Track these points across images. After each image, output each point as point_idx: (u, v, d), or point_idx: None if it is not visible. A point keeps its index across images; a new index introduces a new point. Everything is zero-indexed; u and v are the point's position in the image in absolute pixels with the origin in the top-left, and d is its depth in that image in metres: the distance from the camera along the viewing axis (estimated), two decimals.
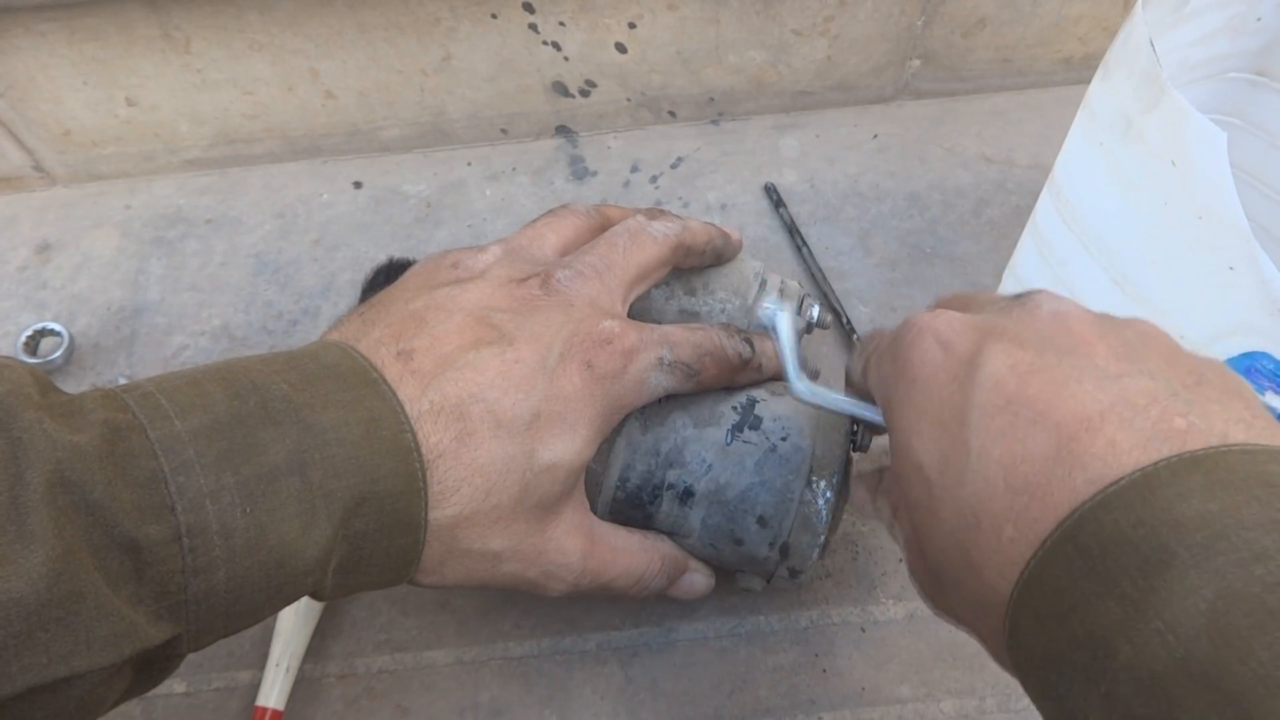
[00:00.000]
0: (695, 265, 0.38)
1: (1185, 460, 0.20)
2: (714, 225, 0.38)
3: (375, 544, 0.27)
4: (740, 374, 0.36)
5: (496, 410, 0.28)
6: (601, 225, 0.37)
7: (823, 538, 0.35)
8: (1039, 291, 0.28)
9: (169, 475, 0.24)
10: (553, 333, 0.30)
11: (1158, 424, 0.22)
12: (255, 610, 0.26)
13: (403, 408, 0.27)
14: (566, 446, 0.30)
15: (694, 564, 0.37)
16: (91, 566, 0.22)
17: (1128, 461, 0.21)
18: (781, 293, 0.41)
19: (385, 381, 0.28)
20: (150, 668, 0.26)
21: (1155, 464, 0.21)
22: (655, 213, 0.37)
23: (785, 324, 0.34)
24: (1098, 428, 0.22)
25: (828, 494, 0.35)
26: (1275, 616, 0.18)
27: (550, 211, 0.37)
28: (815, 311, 0.42)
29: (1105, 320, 0.26)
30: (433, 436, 0.28)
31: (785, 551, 0.35)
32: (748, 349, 0.36)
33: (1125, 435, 0.22)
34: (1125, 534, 0.20)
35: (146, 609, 0.24)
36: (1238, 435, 0.21)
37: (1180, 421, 0.21)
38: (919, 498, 0.26)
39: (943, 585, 0.27)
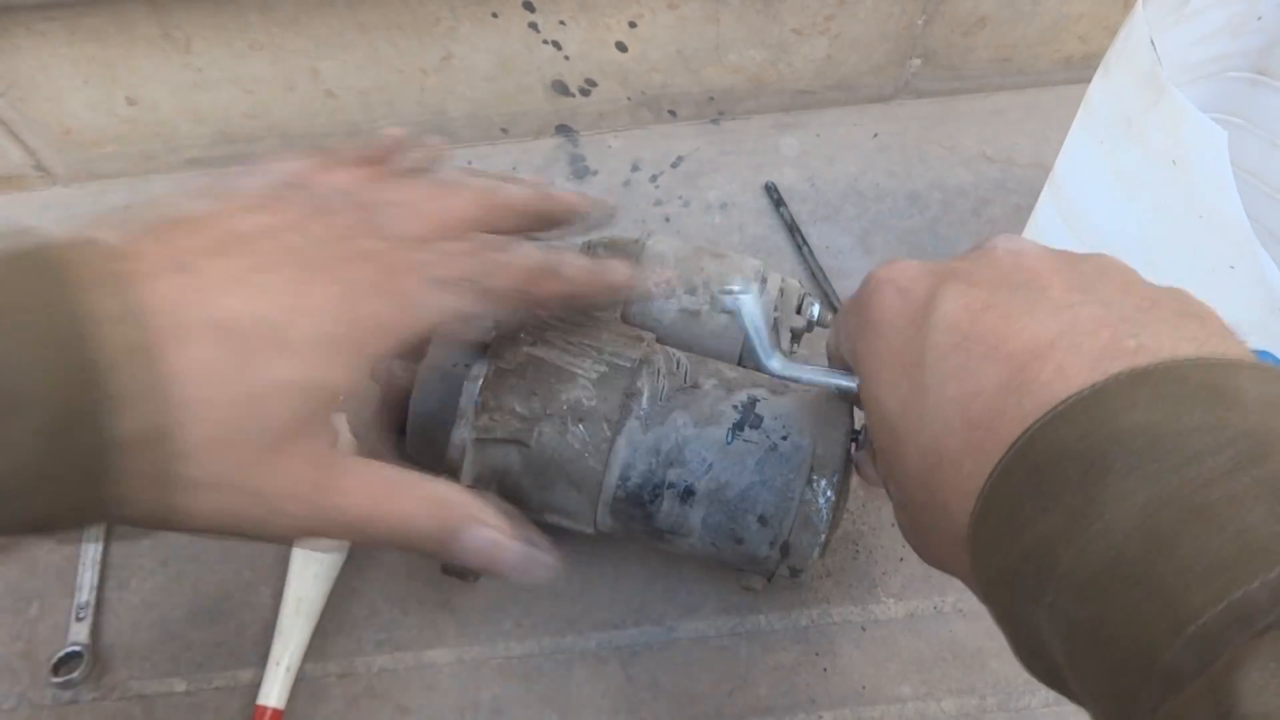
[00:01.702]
0: (514, 229, 0.34)
1: (1134, 374, 0.21)
2: (537, 188, 0.36)
3: (52, 459, 0.22)
4: (547, 281, 0.32)
5: (226, 318, 0.24)
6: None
7: (823, 536, 0.35)
8: (997, 235, 0.28)
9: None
10: (314, 249, 0.27)
11: (1107, 346, 0.22)
12: None
13: (87, 298, 0.22)
14: (316, 364, 0.25)
15: (489, 519, 0.29)
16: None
17: (1075, 383, 0.21)
18: (782, 291, 0.41)
19: (80, 271, 0.23)
20: None
21: (1105, 380, 0.21)
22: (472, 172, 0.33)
23: (749, 304, 0.33)
24: (1046, 355, 0.22)
25: (828, 493, 0.35)
26: (1200, 513, 0.18)
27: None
28: (815, 310, 0.42)
29: (1062, 255, 0.26)
30: (116, 340, 0.22)
31: (786, 550, 0.35)
32: (551, 252, 0.32)
33: (1074, 359, 0.22)
34: (1070, 448, 0.20)
35: None
36: (1187, 351, 0.21)
37: (1130, 342, 0.22)
38: (887, 444, 0.26)
39: (920, 530, 0.27)
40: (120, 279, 0.23)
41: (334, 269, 0.27)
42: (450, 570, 0.36)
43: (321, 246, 0.27)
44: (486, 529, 0.29)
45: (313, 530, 0.27)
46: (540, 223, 0.35)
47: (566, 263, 0.33)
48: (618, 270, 0.35)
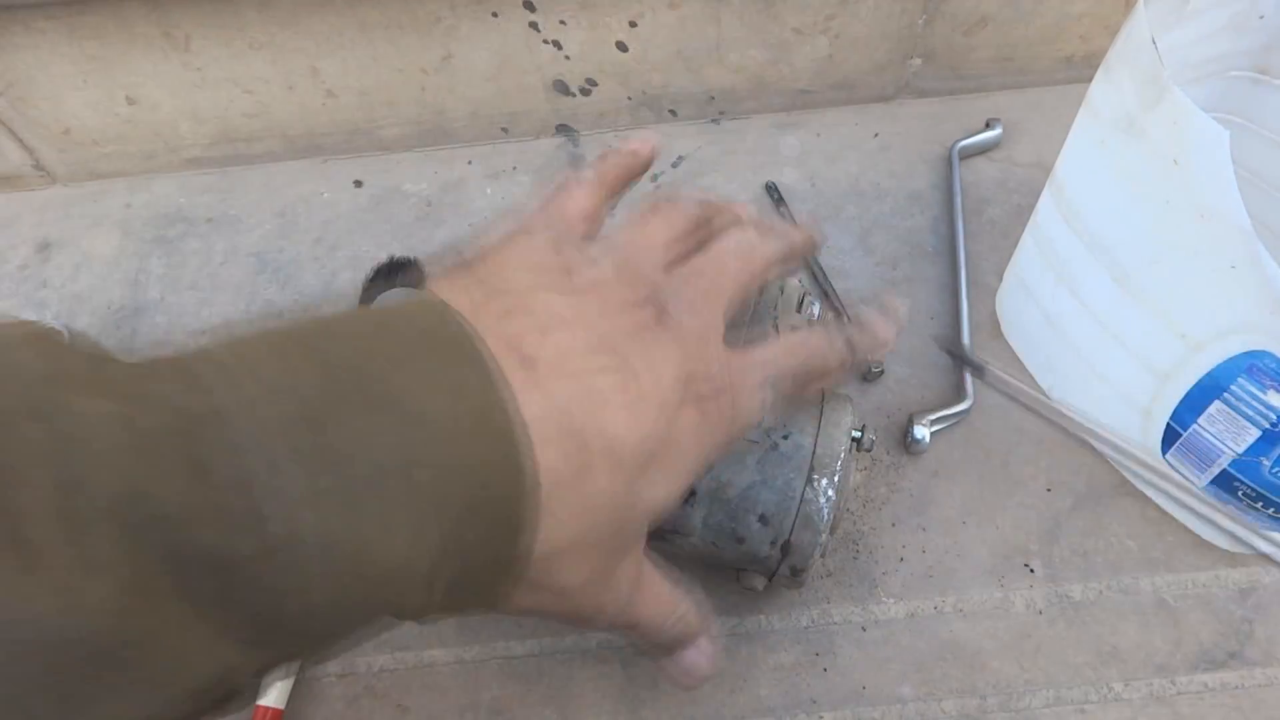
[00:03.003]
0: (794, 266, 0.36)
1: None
2: (803, 229, 0.36)
3: (482, 558, 0.23)
4: (840, 375, 0.33)
5: (616, 446, 0.25)
6: (701, 220, 0.33)
7: (824, 536, 0.35)
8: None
9: (258, 477, 0.19)
10: (671, 370, 0.27)
11: None
12: (353, 633, 0.23)
13: (514, 400, 0.23)
14: (669, 490, 0.27)
15: (703, 640, 0.33)
16: (170, 594, 0.18)
17: None
18: (781, 290, 0.41)
19: (491, 359, 0.23)
20: (228, 698, 0.22)
21: None
22: (765, 227, 0.33)
23: None
24: None
25: (829, 492, 0.35)
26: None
27: (654, 206, 0.32)
28: (815, 309, 0.42)
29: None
30: (551, 458, 0.23)
31: (787, 550, 0.35)
32: (847, 352, 0.33)
33: None
34: None
35: (234, 637, 0.20)
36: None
37: None
38: None
39: None
40: (537, 381, 0.24)
41: (694, 390, 0.27)
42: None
43: (680, 361, 0.27)
44: (704, 646, 0.33)
45: (613, 630, 0.30)
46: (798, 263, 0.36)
47: (863, 346, 0.34)
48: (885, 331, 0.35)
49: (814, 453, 0.35)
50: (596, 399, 0.25)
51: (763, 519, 0.35)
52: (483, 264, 0.27)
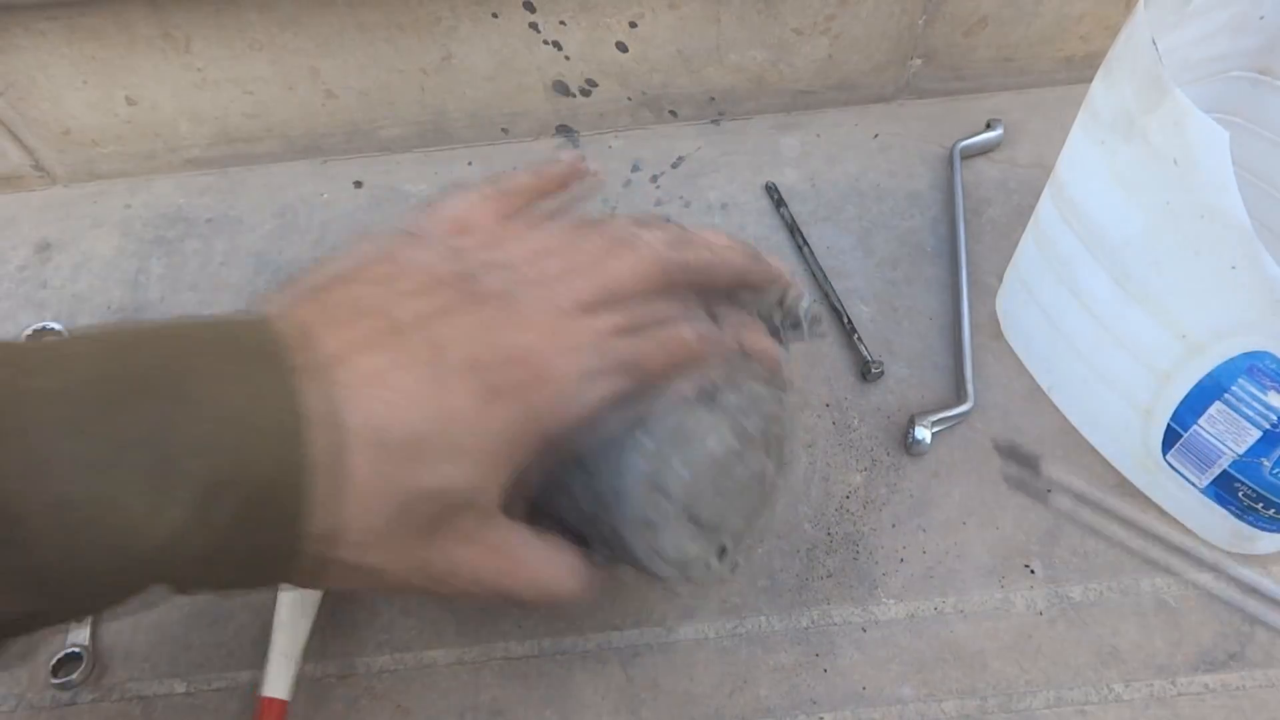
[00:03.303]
0: (712, 286, 0.34)
1: None
2: (741, 246, 0.34)
3: (260, 540, 0.25)
4: (715, 356, 0.32)
5: (383, 433, 0.26)
6: (535, 189, 0.33)
7: (667, 509, 0.31)
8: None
9: (43, 448, 0.22)
10: (460, 353, 0.27)
11: None
12: (98, 594, 0.24)
13: (297, 394, 0.25)
14: (455, 474, 0.27)
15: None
16: None
17: None
18: (782, 303, 0.39)
19: (288, 359, 0.25)
20: None
21: None
22: (678, 233, 0.33)
23: None
24: None
25: (656, 459, 0.30)
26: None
27: (489, 186, 0.33)
28: (805, 306, 0.39)
29: None
30: (320, 446, 0.25)
31: (617, 539, 0.32)
32: (712, 329, 0.32)
33: None
34: None
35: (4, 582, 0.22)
36: None
37: None
38: None
39: None
40: (320, 375, 0.25)
41: (482, 373, 0.27)
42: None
43: (471, 341, 0.28)
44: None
45: (469, 597, 0.31)
46: (733, 285, 0.35)
47: (749, 336, 0.33)
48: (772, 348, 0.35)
49: (641, 420, 0.30)
50: (372, 387, 0.26)
51: (596, 500, 0.31)
52: (326, 271, 0.29)
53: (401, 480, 0.26)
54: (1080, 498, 0.44)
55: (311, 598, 0.41)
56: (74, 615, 0.25)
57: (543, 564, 0.31)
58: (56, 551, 0.22)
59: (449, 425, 0.27)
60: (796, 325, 0.39)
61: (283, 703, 0.39)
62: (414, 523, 0.27)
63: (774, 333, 0.39)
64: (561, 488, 0.32)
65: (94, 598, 0.24)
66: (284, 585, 0.28)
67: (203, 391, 0.24)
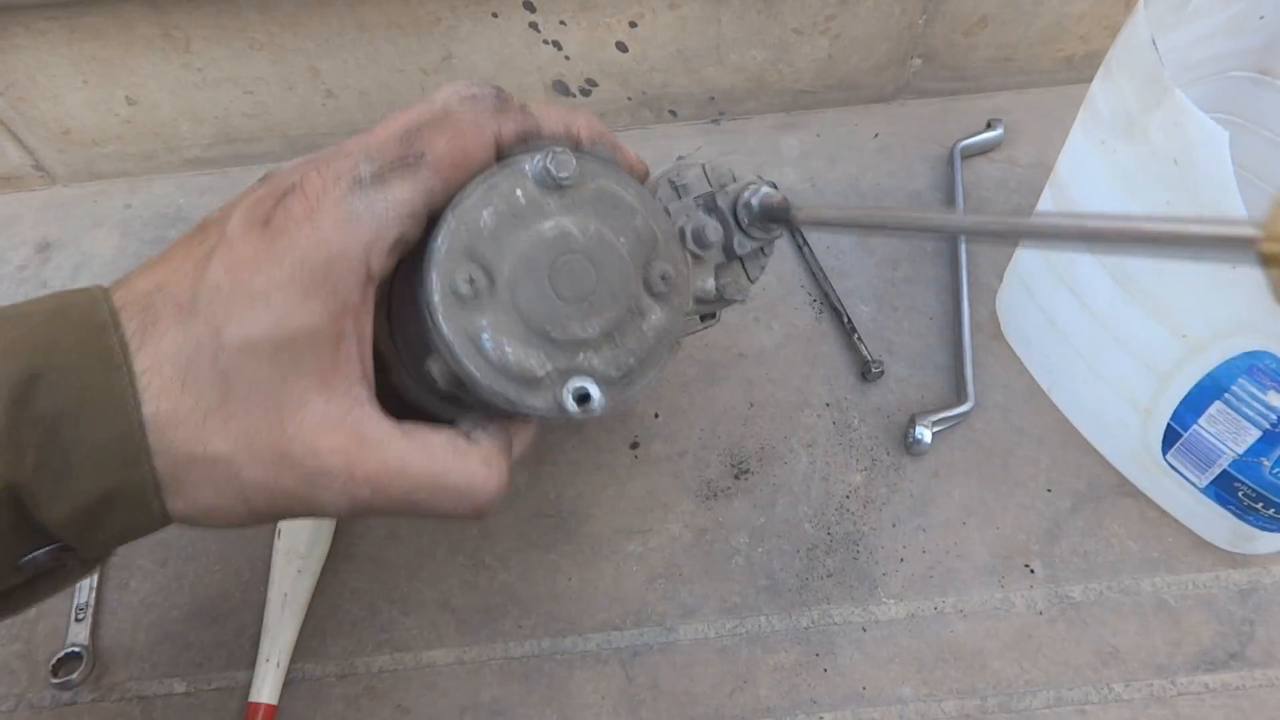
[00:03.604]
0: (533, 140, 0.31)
1: None
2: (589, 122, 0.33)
3: (76, 430, 0.24)
4: (503, 119, 0.30)
5: (176, 293, 0.26)
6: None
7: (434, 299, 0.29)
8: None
9: None
10: (238, 212, 0.28)
11: None
12: None
13: (105, 294, 0.26)
14: (259, 318, 0.26)
15: (516, 424, 0.31)
16: None
17: None
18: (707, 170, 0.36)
19: (100, 287, 0.26)
20: None
21: None
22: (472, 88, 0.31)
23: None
24: None
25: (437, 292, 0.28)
26: None
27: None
28: (758, 195, 0.34)
29: None
30: (127, 326, 0.25)
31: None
32: (486, 89, 0.30)
33: None
34: None
35: None
36: None
37: None
38: None
39: None
40: (119, 283, 0.26)
41: (258, 218, 0.27)
42: None
43: (246, 208, 0.28)
44: (519, 434, 0.32)
45: (363, 505, 0.28)
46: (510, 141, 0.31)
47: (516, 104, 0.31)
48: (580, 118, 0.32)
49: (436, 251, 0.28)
50: (162, 264, 0.27)
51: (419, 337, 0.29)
52: None
53: (209, 337, 0.26)
54: (1080, 497, 0.44)
55: (298, 602, 0.41)
56: None
57: (442, 458, 0.29)
58: None
59: (238, 272, 0.26)
60: (750, 215, 0.35)
61: (271, 707, 0.39)
62: (245, 391, 0.26)
63: (727, 242, 0.35)
64: (405, 352, 0.30)
65: None
66: (170, 510, 0.26)
67: (7, 309, 0.25)
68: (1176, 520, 0.43)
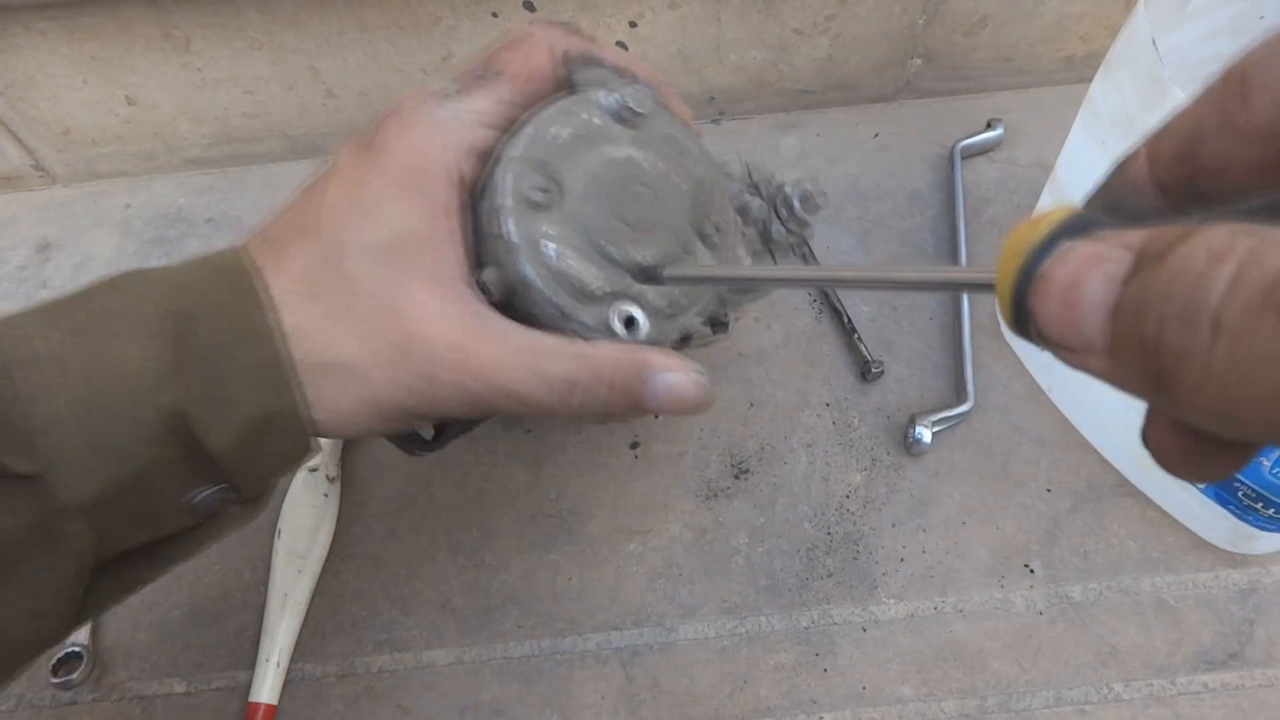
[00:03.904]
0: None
1: None
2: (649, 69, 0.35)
3: (231, 359, 0.27)
4: (570, 38, 0.32)
5: (300, 222, 0.29)
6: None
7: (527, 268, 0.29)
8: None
9: (6, 330, 0.26)
10: (346, 142, 0.31)
11: None
12: (123, 445, 0.25)
13: (242, 248, 0.29)
14: (372, 224, 0.28)
15: (663, 361, 0.30)
16: None
17: None
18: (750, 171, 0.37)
19: (238, 245, 0.29)
20: (52, 538, 0.26)
21: None
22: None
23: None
24: None
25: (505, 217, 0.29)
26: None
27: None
28: (791, 184, 0.36)
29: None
30: (262, 261, 0.28)
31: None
32: (556, 21, 0.32)
33: None
34: None
35: None
36: None
37: None
38: None
39: None
40: (251, 234, 0.30)
41: (360, 142, 0.30)
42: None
43: (357, 136, 0.31)
44: (672, 375, 0.30)
45: (483, 403, 0.29)
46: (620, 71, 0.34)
47: (597, 44, 0.33)
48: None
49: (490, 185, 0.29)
50: (289, 209, 0.30)
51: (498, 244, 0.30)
52: None
53: (331, 248, 0.28)
54: (1080, 497, 0.44)
55: (298, 601, 0.41)
56: (115, 477, 0.26)
57: (547, 353, 0.29)
58: (62, 401, 0.25)
59: (349, 189, 0.29)
60: (789, 208, 0.36)
61: (271, 707, 0.39)
62: (367, 293, 0.28)
63: (764, 227, 0.36)
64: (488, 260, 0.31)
65: (121, 450, 0.26)
66: (319, 426, 0.28)
67: (161, 271, 0.28)
68: (1176, 520, 0.43)
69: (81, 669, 0.40)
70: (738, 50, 0.55)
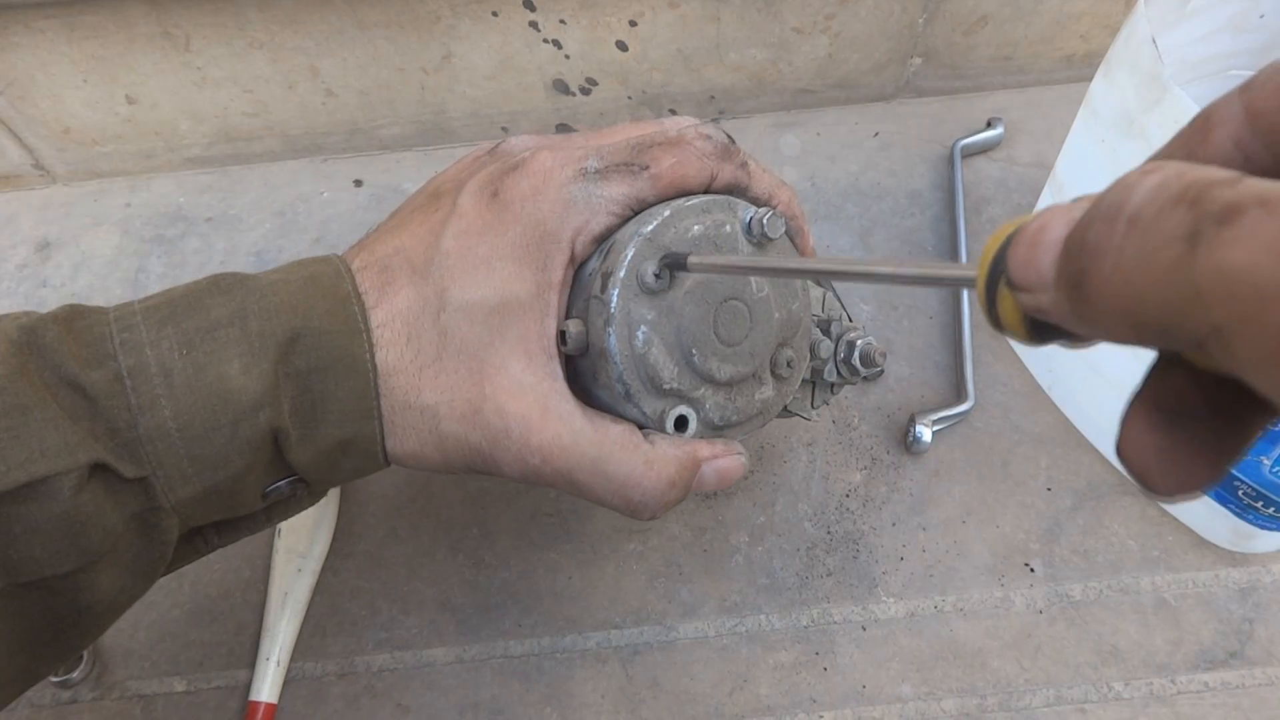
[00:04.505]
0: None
1: None
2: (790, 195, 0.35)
3: (324, 384, 0.28)
4: (724, 164, 0.32)
5: (411, 257, 0.30)
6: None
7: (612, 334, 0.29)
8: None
9: (115, 333, 0.27)
10: (469, 185, 0.31)
11: None
12: (220, 456, 0.27)
13: (346, 267, 0.30)
14: (479, 282, 0.29)
15: (711, 450, 0.31)
16: (42, 390, 0.25)
17: None
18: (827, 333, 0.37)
19: (339, 257, 0.30)
20: (149, 529, 0.27)
21: None
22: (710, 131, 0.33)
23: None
24: None
25: (611, 290, 0.30)
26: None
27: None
28: (860, 339, 0.36)
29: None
30: (366, 286, 0.29)
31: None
32: (720, 134, 0.32)
33: None
34: None
35: (104, 445, 0.26)
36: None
37: None
38: None
39: None
40: (356, 250, 0.31)
41: (486, 191, 0.30)
42: None
43: (479, 180, 0.31)
44: (722, 461, 0.31)
45: (536, 474, 0.30)
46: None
47: (739, 151, 0.33)
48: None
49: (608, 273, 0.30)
50: (400, 231, 0.31)
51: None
52: None
53: (435, 297, 0.29)
54: (1080, 496, 0.44)
55: (298, 600, 0.41)
56: (210, 484, 0.27)
57: (609, 446, 0.29)
58: (168, 412, 0.26)
59: (466, 240, 0.29)
60: (848, 358, 0.36)
61: (271, 706, 0.39)
62: (457, 348, 0.29)
63: (820, 364, 0.36)
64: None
65: (218, 459, 0.27)
66: (389, 452, 0.30)
67: (266, 282, 0.29)
68: (1176, 519, 0.43)
69: (82, 667, 0.40)
70: (738, 49, 0.55)
